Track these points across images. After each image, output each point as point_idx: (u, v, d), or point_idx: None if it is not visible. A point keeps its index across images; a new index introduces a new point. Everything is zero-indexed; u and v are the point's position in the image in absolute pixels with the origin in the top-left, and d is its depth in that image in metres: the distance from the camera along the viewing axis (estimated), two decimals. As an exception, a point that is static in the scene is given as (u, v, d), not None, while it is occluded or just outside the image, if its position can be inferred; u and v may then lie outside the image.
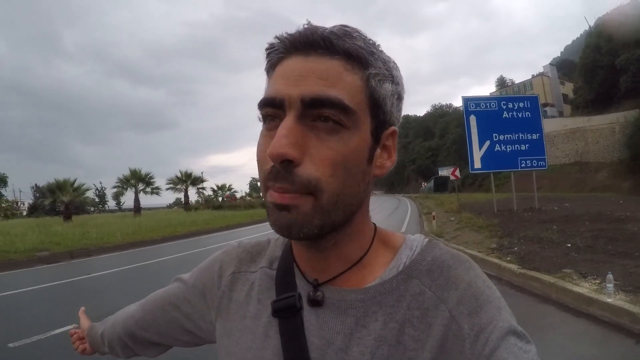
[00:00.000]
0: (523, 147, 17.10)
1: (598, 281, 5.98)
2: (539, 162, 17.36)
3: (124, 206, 79.53)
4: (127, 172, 42.97)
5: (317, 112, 0.58)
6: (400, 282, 0.67)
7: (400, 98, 0.67)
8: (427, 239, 0.73)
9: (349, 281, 0.69)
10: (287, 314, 0.70)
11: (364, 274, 0.69)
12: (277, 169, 0.57)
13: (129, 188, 43.35)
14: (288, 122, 0.58)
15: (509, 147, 16.99)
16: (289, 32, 0.62)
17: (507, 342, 0.57)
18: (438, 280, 0.65)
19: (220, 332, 0.80)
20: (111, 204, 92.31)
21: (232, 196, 57.29)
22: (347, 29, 0.62)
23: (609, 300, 5.16)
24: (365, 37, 0.63)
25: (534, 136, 17.25)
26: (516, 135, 17.02)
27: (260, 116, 0.64)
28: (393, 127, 0.67)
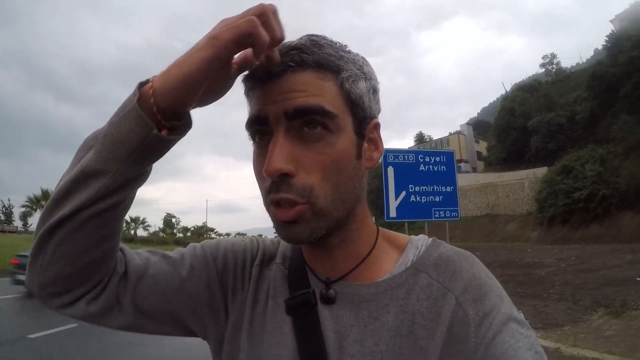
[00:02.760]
0: (437, 199, 17.54)
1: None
2: (452, 213, 17.73)
3: (31, 228, 74.82)
4: (38, 192, 41.36)
5: (303, 121, 0.62)
6: (409, 276, 0.69)
7: (375, 91, 0.71)
8: (431, 239, 0.76)
9: (360, 277, 0.71)
10: (302, 311, 0.71)
11: (373, 270, 0.72)
12: (277, 183, 0.62)
13: (38, 209, 41.49)
14: (277, 138, 0.62)
15: (424, 198, 17.37)
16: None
17: (509, 327, 0.60)
18: (444, 272, 0.68)
19: (237, 325, 0.76)
20: (18, 223, 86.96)
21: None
22: (314, 38, 0.65)
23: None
24: (333, 42, 0.67)
25: (448, 189, 17.74)
26: (431, 187, 17.41)
27: (249, 135, 0.68)
28: (375, 120, 0.71)
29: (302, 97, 0.61)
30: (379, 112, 0.72)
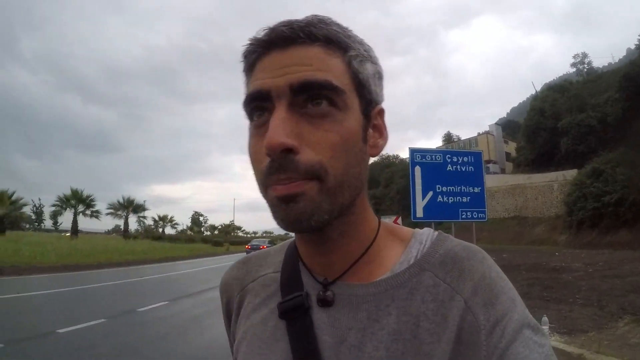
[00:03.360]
0: (465, 200, 17.31)
1: (532, 326, 6.31)
2: (480, 214, 17.45)
3: (61, 227, 76.25)
4: (67, 192, 41.96)
5: (307, 96, 0.58)
6: (412, 274, 0.65)
7: (381, 77, 0.68)
8: (436, 233, 0.72)
9: (359, 275, 0.67)
10: (295, 315, 0.68)
11: (373, 267, 0.68)
12: (278, 162, 0.56)
13: (68, 208, 42.06)
14: (280, 112, 0.57)
15: (451, 199, 17.13)
16: (264, 30, 0.62)
17: (522, 335, 0.57)
18: (452, 272, 0.64)
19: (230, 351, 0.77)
20: (48, 223, 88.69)
21: None
22: (320, 17, 0.63)
23: (544, 341, 5.45)
24: (339, 23, 0.64)
25: (476, 189, 17.48)
26: (459, 187, 17.18)
27: (247, 114, 0.64)
28: (379, 106, 0.68)
29: (309, 70, 0.58)
30: (382, 99, 0.69)
